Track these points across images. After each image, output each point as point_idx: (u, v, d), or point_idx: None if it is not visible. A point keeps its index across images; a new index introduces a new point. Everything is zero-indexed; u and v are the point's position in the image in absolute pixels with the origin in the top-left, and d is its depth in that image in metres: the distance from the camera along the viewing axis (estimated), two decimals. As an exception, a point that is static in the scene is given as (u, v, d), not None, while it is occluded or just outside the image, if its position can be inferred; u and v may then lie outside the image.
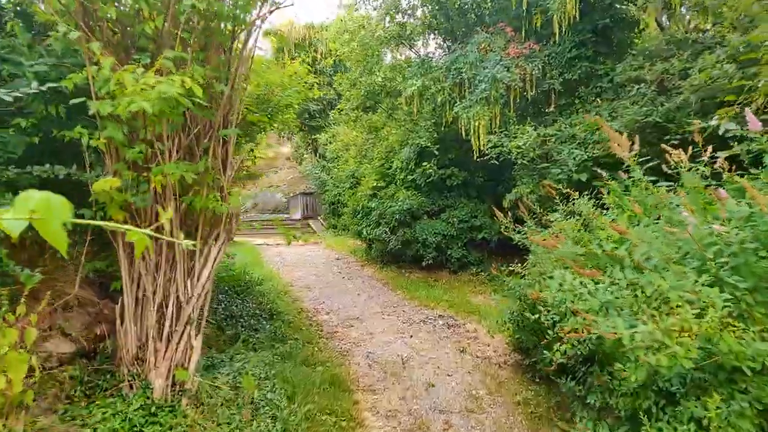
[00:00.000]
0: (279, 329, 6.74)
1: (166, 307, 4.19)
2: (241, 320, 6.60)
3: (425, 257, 10.71)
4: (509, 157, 8.72)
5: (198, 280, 4.31)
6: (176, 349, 4.15)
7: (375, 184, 11.74)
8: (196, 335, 4.27)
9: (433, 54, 11.97)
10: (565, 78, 9.24)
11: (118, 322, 4.13)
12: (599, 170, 4.90)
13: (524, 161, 8.41)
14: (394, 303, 9.02)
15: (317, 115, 22.16)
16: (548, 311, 3.85)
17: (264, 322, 6.83)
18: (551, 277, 3.58)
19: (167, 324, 4.14)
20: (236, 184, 6.08)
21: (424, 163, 10.69)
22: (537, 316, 3.96)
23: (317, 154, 21.63)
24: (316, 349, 6.40)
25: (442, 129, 10.87)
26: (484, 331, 7.07)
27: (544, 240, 4.47)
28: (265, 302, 7.86)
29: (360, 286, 10.22)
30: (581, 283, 3.29)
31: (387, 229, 11.03)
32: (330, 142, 17.30)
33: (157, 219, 4.08)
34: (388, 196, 11.38)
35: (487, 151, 8.85)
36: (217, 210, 4.24)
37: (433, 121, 10.73)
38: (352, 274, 11.26)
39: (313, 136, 21.79)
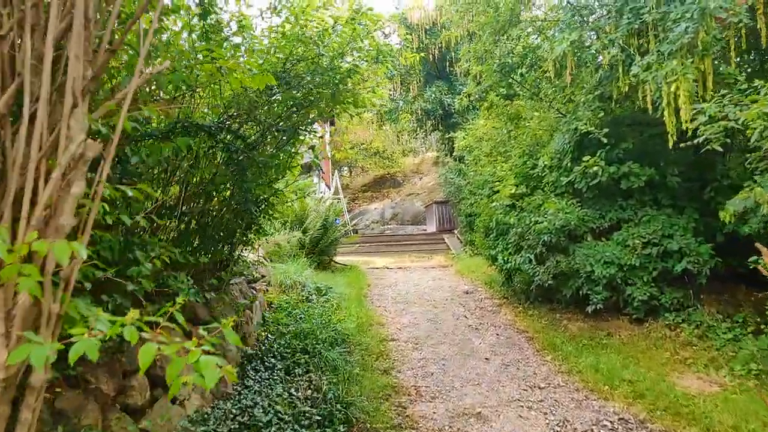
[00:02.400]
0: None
1: None
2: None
3: (591, 298, 7.31)
4: (732, 140, 5.21)
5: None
6: None
7: (513, 191, 8.58)
8: None
9: None
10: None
11: None
12: None
13: (771, 144, 4.79)
14: (542, 379, 5.86)
15: (454, 111, 19.31)
16: None
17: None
18: None
19: None
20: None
21: (586, 158, 7.31)
22: None
23: (452, 156, 18.77)
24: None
25: (612, 106, 7.39)
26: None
27: None
28: (332, 380, 5.25)
29: (491, 343, 7.16)
30: None
31: (531, 256, 7.83)
32: (463, 138, 14.33)
33: None
34: (533, 207, 8.16)
35: (697, 132, 5.34)
36: None
37: (597, 94, 7.28)
38: (482, 320, 8.21)
39: (447, 135, 18.96)
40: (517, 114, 10.49)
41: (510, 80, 9.74)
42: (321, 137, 5.53)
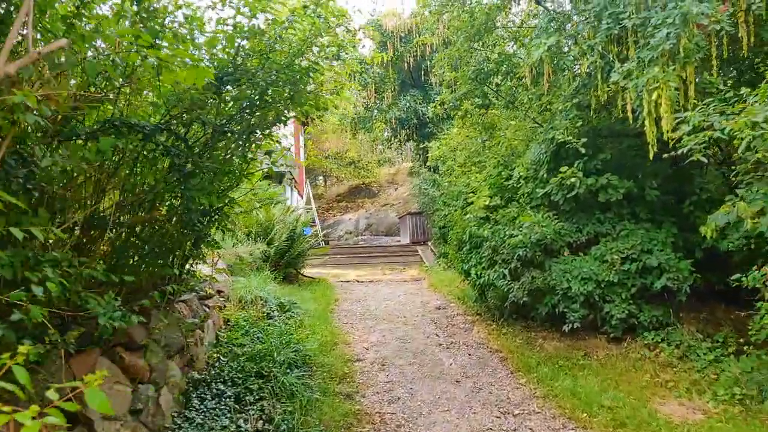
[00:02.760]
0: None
1: None
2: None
3: (568, 316, 6.98)
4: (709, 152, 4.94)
5: None
6: None
7: (487, 202, 8.24)
8: None
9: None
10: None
11: None
12: None
13: (760, 155, 4.52)
14: (516, 405, 5.48)
15: (428, 120, 19.04)
16: None
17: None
18: None
19: None
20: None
21: (563, 169, 7.01)
22: None
23: (426, 166, 18.47)
24: None
25: (591, 115, 7.12)
26: None
27: None
28: (287, 409, 4.78)
29: (463, 364, 6.76)
30: None
31: (505, 271, 7.48)
32: (437, 148, 14.01)
33: None
34: (508, 219, 7.83)
35: (680, 142, 5.05)
36: None
37: (575, 102, 7.00)
38: (454, 338, 7.80)
39: (422, 145, 18.65)
40: (492, 123, 10.22)
41: (485, 88, 9.45)
42: (278, 142, 5.07)
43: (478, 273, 8.04)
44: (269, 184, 16.98)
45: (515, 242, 7.21)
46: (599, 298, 6.88)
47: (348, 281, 12.95)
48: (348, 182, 35.55)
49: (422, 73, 18.93)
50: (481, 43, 9.12)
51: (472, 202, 8.91)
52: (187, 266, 5.55)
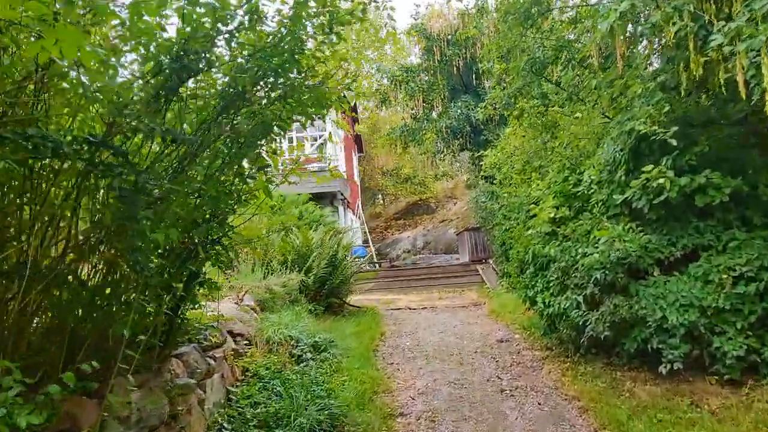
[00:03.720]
0: None
1: None
2: None
3: (665, 354, 5.54)
4: None
5: None
6: None
7: (553, 214, 6.92)
8: None
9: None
10: None
11: None
12: None
13: None
14: (605, 483, 4.14)
15: (482, 127, 17.73)
16: None
17: None
18: None
19: None
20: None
21: (647, 168, 5.62)
22: None
23: (483, 177, 17.14)
24: None
25: (681, 98, 5.71)
26: None
27: None
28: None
29: (532, 418, 5.42)
30: None
31: (580, 298, 6.13)
32: (493, 155, 12.69)
33: None
34: (579, 234, 6.48)
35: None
36: None
37: (659, 82, 5.61)
38: (520, 381, 6.46)
39: (477, 154, 17.34)
40: (553, 122, 8.87)
41: (543, 81, 8.17)
42: (274, 153, 4.07)
43: (546, 301, 6.71)
44: (316, 205, 16.22)
45: (591, 262, 5.86)
46: (706, 329, 5.40)
47: (399, 308, 11.78)
48: (405, 199, 34.76)
49: (473, 77, 17.69)
50: (534, 29, 7.86)
51: (535, 215, 7.61)
52: (183, 311, 4.59)
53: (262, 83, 3.42)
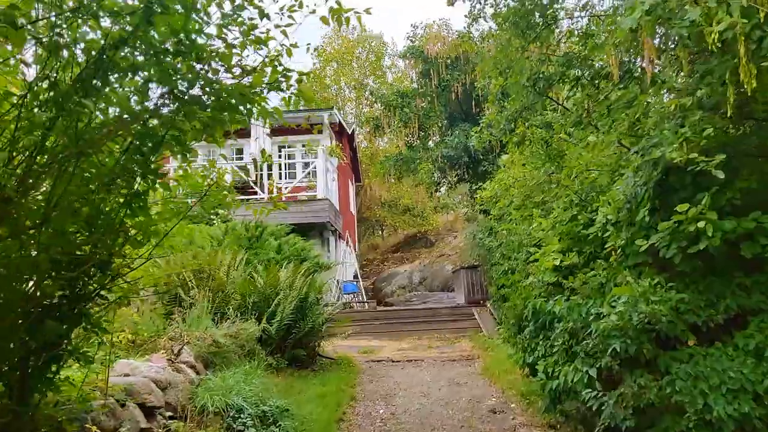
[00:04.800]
0: None
1: None
2: None
3: (707, 454, 4.22)
4: None
5: None
6: None
7: (557, 262, 5.65)
8: None
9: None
10: None
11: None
12: None
13: None
14: None
15: (481, 158, 16.62)
16: None
17: None
18: None
19: None
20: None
21: (681, 208, 4.38)
22: None
23: (477, 209, 15.95)
24: None
25: (723, 115, 4.51)
26: None
27: None
28: None
29: None
30: None
31: (592, 371, 4.82)
32: (492, 188, 11.49)
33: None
34: (592, 288, 5.21)
35: None
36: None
37: (696, 97, 4.41)
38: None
39: (475, 186, 16.18)
40: (558, 151, 7.70)
41: (547, 101, 7.02)
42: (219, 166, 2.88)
43: (549, 371, 5.40)
44: (301, 237, 14.98)
45: (607, 327, 4.58)
46: (764, 424, 4.09)
47: (380, 360, 10.39)
48: (404, 232, 33.66)
49: (473, 103, 16.63)
50: (538, 42, 6.75)
51: (536, 259, 6.37)
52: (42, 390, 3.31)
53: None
